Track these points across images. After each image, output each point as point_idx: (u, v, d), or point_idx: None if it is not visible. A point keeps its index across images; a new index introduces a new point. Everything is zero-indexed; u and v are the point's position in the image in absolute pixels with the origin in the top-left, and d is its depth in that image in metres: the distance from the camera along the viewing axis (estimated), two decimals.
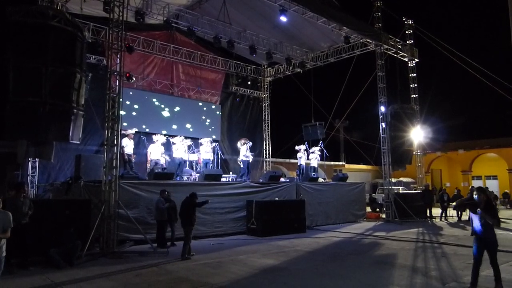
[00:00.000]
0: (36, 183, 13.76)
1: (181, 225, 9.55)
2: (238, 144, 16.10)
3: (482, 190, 6.14)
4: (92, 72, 13.85)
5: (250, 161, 15.96)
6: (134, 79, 16.03)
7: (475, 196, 6.12)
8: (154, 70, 18.50)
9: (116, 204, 10.11)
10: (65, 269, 7.95)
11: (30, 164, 14.01)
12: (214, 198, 12.68)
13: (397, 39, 18.75)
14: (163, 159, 13.95)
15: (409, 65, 20.06)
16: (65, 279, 7.08)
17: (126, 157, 12.95)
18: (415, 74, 20.11)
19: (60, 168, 14.51)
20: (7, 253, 7.74)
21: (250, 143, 16.00)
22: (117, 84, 10.66)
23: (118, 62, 10.85)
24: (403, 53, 19.16)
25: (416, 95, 19.99)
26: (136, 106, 17.56)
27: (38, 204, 8.71)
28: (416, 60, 20.04)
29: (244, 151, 15.67)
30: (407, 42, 19.77)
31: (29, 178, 13.73)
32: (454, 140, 33.80)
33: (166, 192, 10.86)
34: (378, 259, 9.17)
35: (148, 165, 13.92)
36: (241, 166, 15.83)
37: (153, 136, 14.62)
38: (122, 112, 11.54)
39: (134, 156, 13.60)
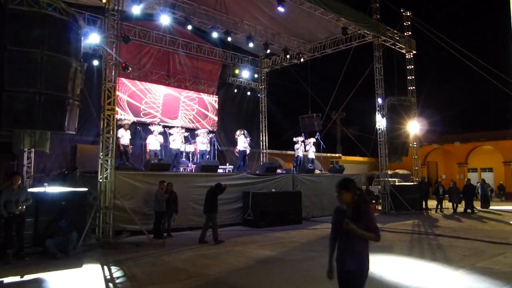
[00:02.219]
0: (32, 173, 13.69)
1: (206, 213, 10.05)
2: (236, 136, 16.06)
3: (346, 185, 3.63)
4: (88, 62, 13.74)
5: (247, 151, 15.93)
6: (130, 69, 15.91)
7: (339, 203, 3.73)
8: (150, 60, 18.36)
9: (112, 195, 10.09)
10: (61, 259, 7.94)
11: (25, 155, 13.92)
12: None
13: (395, 31, 18.66)
14: (159, 147, 13.96)
15: (407, 57, 20.00)
16: (60, 270, 7.07)
17: (122, 148, 12.91)
18: (412, 66, 20.06)
19: (56, 159, 14.43)
20: (3, 243, 7.77)
21: (245, 131, 15.94)
22: (113, 74, 10.58)
23: (114, 52, 10.76)
24: (400, 45, 19.09)
25: (413, 87, 19.96)
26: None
27: (34, 194, 8.67)
28: (414, 52, 19.98)
29: (242, 142, 15.66)
30: (405, 33, 19.70)
31: (25, 168, 13.65)
32: (451, 132, 33.91)
33: (166, 184, 10.84)
34: (374, 250, 9.20)
35: (148, 156, 13.89)
36: (238, 156, 15.83)
37: (150, 127, 14.58)
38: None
39: (131, 147, 13.57)
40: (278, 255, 8.59)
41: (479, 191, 20.39)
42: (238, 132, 15.94)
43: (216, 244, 9.64)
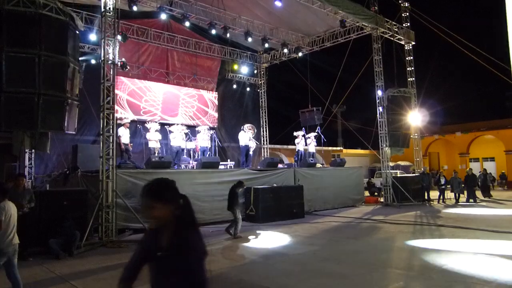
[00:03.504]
0: (34, 174, 13.75)
1: (228, 209, 10.57)
2: (245, 129, 15.97)
3: (158, 192, 2.30)
4: (86, 61, 13.74)
5: (250, 147, 15.87)
6: (128, 67, 15.91)
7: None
8: (149, 58, 18.35)
9: (114, 194, 10.12)
10: (64, 259, 7.98)
11: (27, 156, 13.98)
12: (212, 186, 12.72)
13: (393, 22, 18.57)
14: (159, 144, 13.97)
15: (406, 48, 19.91)
16: (64, 269, 7.10)
17: (123, 146, 12.92)
18: (411, 57, 19.98)
19: (57, 159, 14.49)
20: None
21: (244, 126, 15.96)
22: (111, 73, 10.58)
23: (111, 50, 10.75)
24: (399, 36, 19.00)
25: (413, 78, 19.89)
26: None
27: (36, 195, 8.69)
28: (413, 43, 19.89)
29: (242, 137, 15.65)
30: (404, 25, 19.60)
31: (26, 169, 13.71)
32: (452, 122, 33.83)
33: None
34: (376, 242, 9.23)
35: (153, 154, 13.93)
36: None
37: (146, 125, 14.62)
38: None
39: (131, 145, 13.56)
40: (281, 249, 8.61)
41: (480, 180, 20.34)
42: (247, 126, 16.05)
43: (235, 238, 10.01)
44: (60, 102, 8.74)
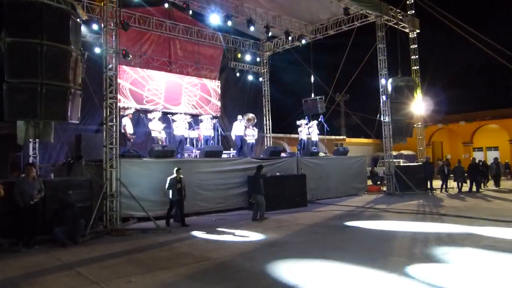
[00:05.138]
0: (38, 164, 13.84)
1: (254, 194, 11.32)
2: (240, 120, 15.93)
3: None
4: (88, 50, 13.71)
5: (245, 138, 15.77)
6: (130, 56, 15.87)
7: None
8: (151, 47, 18.28)
9: (117, 183, 10.20)
10: (70, 247, 8.08)
11: (31, 145, 14.07)
12: (215, 175, 12.78)
13: (397, 10, 18.37)
14: (163, 134, 13.97)
15: (410, 36, 19.72)
16: (70, 257, 7.19)
17: (128, 135, 12.97)
18: (416, 46, 19.80)
19: (61, 148, 14.56)
20: (20, 232, 7.95)
21: (239, 116, 15.95)
22: (114, 62, 10.56)
23: (114, 39, 10.72)
24: (404, 24, 18.80)
25: (417, 67, 19.74)
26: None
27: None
28: (417, 31, 19.69)
29: (236, 127, 15.58)
30: (408, 12, 19.39)
31: (31, 159, 13.83)
32: (456, 111, 33.66)
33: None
34: (378, 231, 9.28)
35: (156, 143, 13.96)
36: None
37: (149, 114, 14.63)
38: None
39: (133, 137, 13.49)
40: (284, 237, 8.67)
41: (493, 169, 19.95)
42: (248, 117, 16.02)
43: (259, 221, 10.87)
44: (63, 91, 8.76)
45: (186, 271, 6.18)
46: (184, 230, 9.76)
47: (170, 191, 10.52)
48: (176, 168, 10.70)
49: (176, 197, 10.47)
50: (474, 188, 17.55)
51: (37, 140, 13.30)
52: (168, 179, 10.57)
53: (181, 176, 10.68)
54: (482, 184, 18.29)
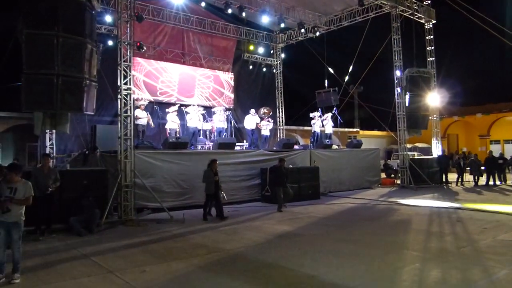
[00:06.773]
0: (54, 154, 14.08)
1: (275, 187, 11.58)
2: (252, 113, 16.08)
3: None
4: (103, 42, 13.81)
5: (254, 128, 16.17)
6: (144, 48, 15.91)
7: None
8: (164, 39, 18.31)
9: (132, 174, 10.31)
10: (85, 236, 8.22)
11: (47, 136, 14.31)
12: (228, 167, 12.79)
13: (413, 0, 18.04)
14: (177, 126, 14.13)
15: (426, 27, 19.35)
16: (85, 246, 7.32)
17: (141, 127, 13.06)
18: (432, 37, 19.42)
19: (76, 139, 14.75)
20: (37, 220, 8.10)
21: (251, 110, 16.25)
22: (128, 54, 10.62)
23: (128, 31, 10.77)
24: (419, 15, 18.46)
25: (433, 58, 19.38)
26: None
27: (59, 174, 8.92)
28: (433, 21, 19.31)
29: (253, 123, 15.80)
30: (424, 2, 19.01)
31: (47, 149, 14.06)
32: (472, 103, 33.02)
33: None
34: (392, 224, 9.22)
35: (168, 135, 14.09)
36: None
37: (167, 109, 14.73)
38: None
39: (152, 126, 13.55)
40: (296, 230, 8.68)
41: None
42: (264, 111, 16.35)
43: (279, 212, 11.01)
44: (78, 83, 8.84)
45: (199, 261, 6.24)
46: (198, 221, 9.82)
47: (205, 184, 10.23)
48: (211, 160, 10.43)
49: (213, 191, 10.12)
50: (491, 182, 17.28)
51: (53, 130, 13.50)
52: (203, 171, 10.35)
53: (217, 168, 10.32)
54: (499, 177, 17.93)
